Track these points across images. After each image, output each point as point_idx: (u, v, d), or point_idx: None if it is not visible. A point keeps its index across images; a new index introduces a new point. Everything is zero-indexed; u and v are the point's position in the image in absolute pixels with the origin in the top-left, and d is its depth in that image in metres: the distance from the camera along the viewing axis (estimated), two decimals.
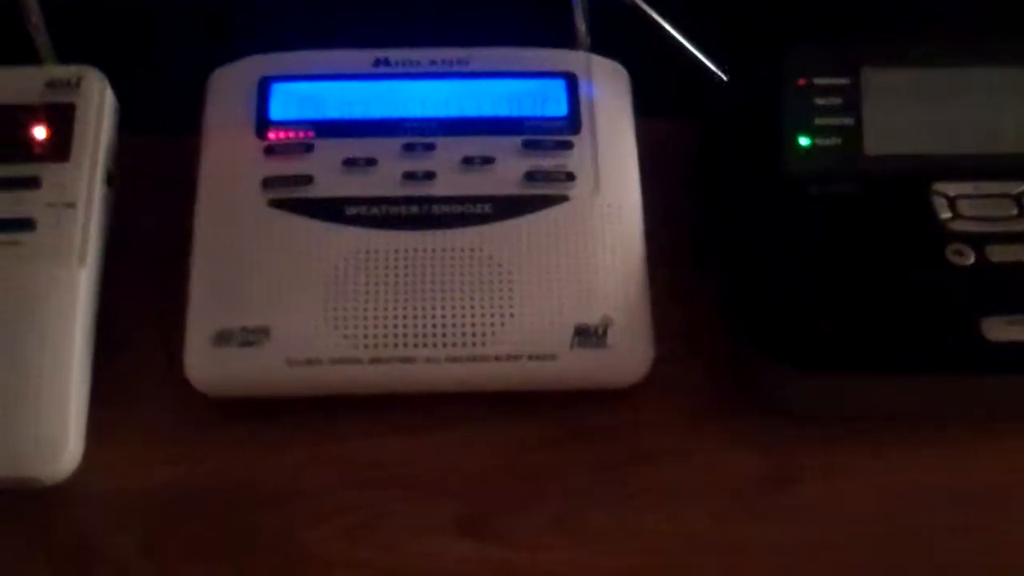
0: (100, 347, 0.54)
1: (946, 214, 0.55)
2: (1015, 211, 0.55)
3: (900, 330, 0.52)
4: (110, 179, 0.56)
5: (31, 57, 0.59)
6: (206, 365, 0.52)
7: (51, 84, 0.57)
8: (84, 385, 0.52)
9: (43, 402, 0.50)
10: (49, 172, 0.54)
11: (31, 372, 0.51)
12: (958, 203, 0.55)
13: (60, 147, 0.55)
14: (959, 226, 0.55)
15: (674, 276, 0.57)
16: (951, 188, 0.56)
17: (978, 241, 0.54)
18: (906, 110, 0.58)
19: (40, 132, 0.55)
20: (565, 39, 0.61)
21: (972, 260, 0.53)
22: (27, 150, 0.55)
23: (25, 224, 0.53)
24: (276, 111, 0.57)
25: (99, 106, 0.57)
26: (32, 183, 0.54)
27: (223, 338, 0.52)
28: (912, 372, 0.52)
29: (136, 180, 0.58)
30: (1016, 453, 0.53)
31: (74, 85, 0.57)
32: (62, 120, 0.56)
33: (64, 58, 0.59)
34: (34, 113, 0.56)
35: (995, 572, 0.51)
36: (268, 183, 0.55)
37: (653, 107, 0.60)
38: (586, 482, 0.53)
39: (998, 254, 0.54)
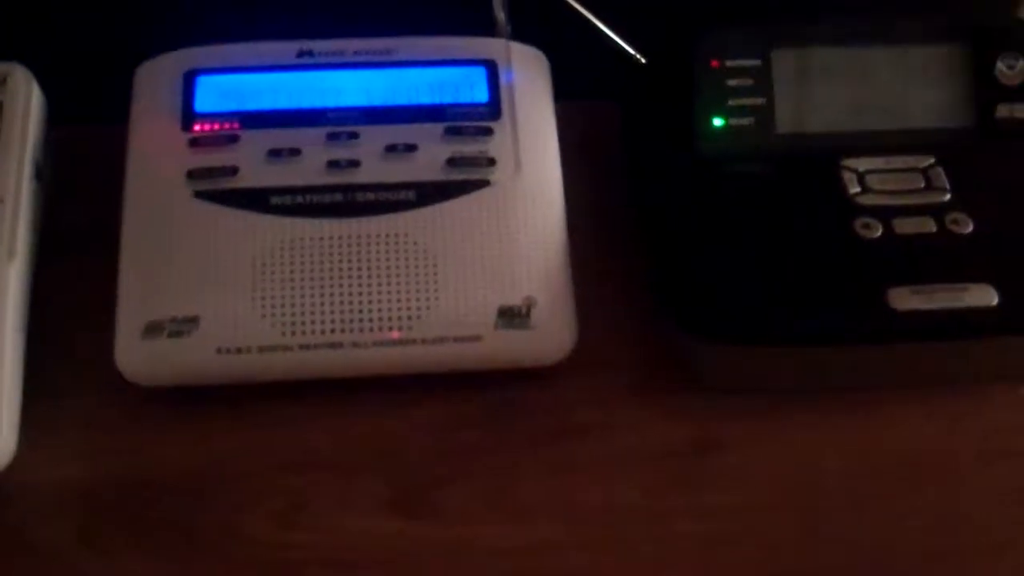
0: (31, 340, 0.54)
1: (855, 188, 0.57)
2: (922, 184, 0.57)
3: (810, 302, 0.53)
4: (39, 174, 0.57)
5: None
6: (137, 356, 0.53)
7: None
8: (16, 379, 0.53)
9: None
10: None
11: None
12: (867, 178, 0.57)
13: None
14: (867, 200, 0.56)
15: (597, 256, 0.58)
16: (860, 163, 0.58)
17: (886, 214, 0.56)
18: (815, 89, 0.59)
19: None
20: (485, 27, 0.62)
21: (880, 233, 0.55)
22: None
23: None
24: (201, 103, 0.58)
25: (25, 102, 0.57)
26: None
27: (153, 329, 0.53)
28: (823, 343, 0.53)
29: (65, 173, 0.59)
30: (922, 420, 0.55)
31: (1, 82, 0.57)
32: None
33: None
34: None
35: (905, 533, 0.53)
36: (193, 174, 0.56)
37: (574, 91, 0.62)
38: (514, 458, 0.54)
39: (905, 226, 0.55)
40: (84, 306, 0.56)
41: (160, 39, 0.61)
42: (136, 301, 0.54)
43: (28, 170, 0.56)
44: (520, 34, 0.62)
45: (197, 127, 0.57)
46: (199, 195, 0.56)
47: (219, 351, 0.53)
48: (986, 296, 0.53)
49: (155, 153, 0.57)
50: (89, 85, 0.61)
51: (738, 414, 0.55)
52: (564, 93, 0.62)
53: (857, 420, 0.55)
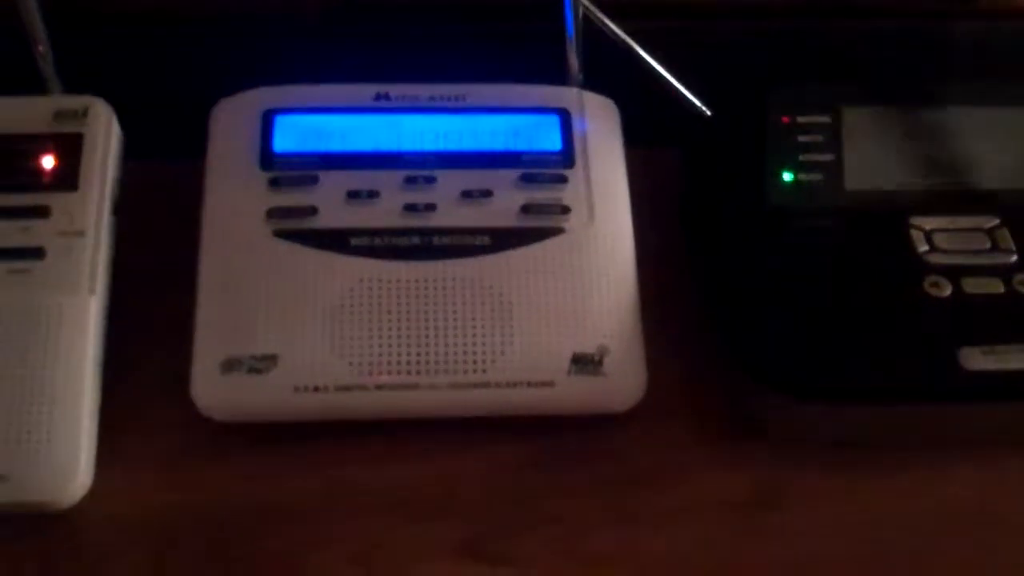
0: (108, 373, 0.55)
1: (923, 247, 0.57)
2: (988, 245, 0.58)
3: (882, 360, 0.54)
4: (116, 208, 0.58)
5: (37, 87, 0.60)
6: (214, 391, 0.54)
7: (59, 114, 0.58)
8: (94, 411, 0.53)
9: (55, 428, 0.52)
10: (58, 201, 0.56)
11: (44, 398, 0.52)
12: (934, 236, 0.58)
13: (68, 177, 0.56)
14: (936, 259, 0.57)
15: (664, 304, 0.59)
16: (927, 222, 0.58)
17: (954, 273, 0.56)
18: (883, 147, 0.60)
19: (49, 162, 0.57)
20: (559, 75, 0.63)
21: (949, 292, 0.56)
22: (36, 179, 0.56)
23: (35, 252, 0.54)
24: (280, 143, 0.59)
25: (106, 136, 0.58)
26: (42, 212, 0.55)
27: (230, 365, 0.54)
28: (894, 401, 0.54)
29: (141, 207, 0.59)
30: (987, 479, 0.56)
31: (81, 115, 0.58)
32: (70, 150, 0.57)
33: (69, 87, 0.60)
34: (43, 143, 0.57)
35: None
36: (273, 214, 0.57)
37: (641, 139, 0.62)
38: (583, 505, 0.54)
39: (973, 286, 0.56)
40: (159, 341, 0.57)
41: (235, 78, 0.62)
42: (214, 337, 0.54)
43: (108, 204, 0.57)
44: (590, 83, 0.63)
45: (276, 167, 0.58)
46: (278, 234, 0.56)
47: (296, 389, 0.53)
48: None
49: (234, 191, 0.58)
50: (164, 121, 0.61)
51: (801, 466, 0.56)
52: (629, 140, 0.62)
53: (921, 476, 0.56)
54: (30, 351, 0.53)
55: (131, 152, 0.60)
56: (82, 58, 0.61)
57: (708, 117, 0.64)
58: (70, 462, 0.52)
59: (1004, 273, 0.57)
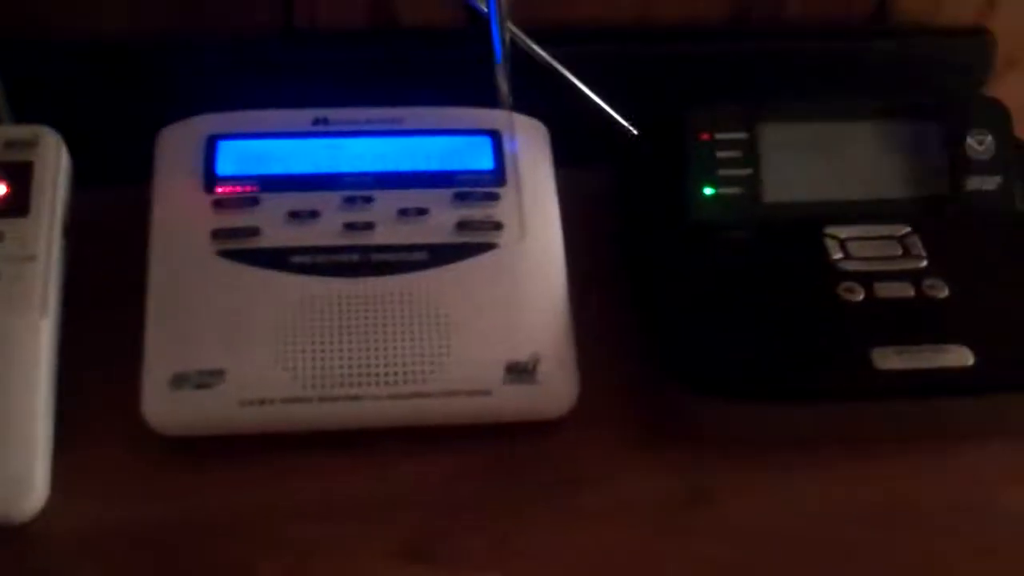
0: (60, 391, 0.57)
1: (837, 255, 0.61)
2: (900, 251, 0.61)
3: (799, 361, 0.57)
4: (67, 232, 0.59)
5: None
6: (163, 406, 0.56)
7: (9, 144, 0.60)
8: (48, 428, 0.55)
9: (10, 446, 0.53)
10: (10, 227, 0.57)
11: None
12: (848, 245, 0.61)
13: (19, 203, 0.58)
14: (849, 266, 0.60)
15: (598, 316, 0.62)
16: (842, 231, 0.61)
17: (867, 279, 0.59)
18: (798, 161, 0.63)
19: (0, 189, 0.58)
20: (489, 99, 0.66)
21: (862, 296, 0.59)
22: None
23: None
24: (223, 167, 0.61)
25: (55, 164, 0.60)
26: None
27: (179, 381, 0.56)
28: (812, 399, 0.57)
29: (91, 231, 0.61)
30: (903, 472, 0.59)
31: (31, 144, 0.60)
32: (21, 177, 0.59)
33: (17, 114, 0.62)
34: None
35: None
36: (217, 234, 0.59)
37: (570, 159, 0.65)
38: (519, 507, 0.57)
39: (885, 291, 0.59)
40: (109, 359, 0.58)
41: (174, 106, 0.64)
42: (163, 354, 0.56)
43: (58, 229, 0.59)
44: (521, 104, 0.66)
45: (219, 189, 0.60)
46: (222, 254, 0.58)
47: (243, 403, 0.56)
48: (962, 357, 0.56)
49: (179, 213, 0.60)
50: (112, 148, 0.63)
51: (728, 466, 0.58)
52: (558, 161, 0.65)
53: (842, 472, 0.59)
54: None
55: (81, 178, 0.62)
56: (30, 86, 0.63)
57: (634, 137, 0.67)
58: (25, 479, 0.53)
59: (914, 278, 0.60)
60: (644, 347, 0.61)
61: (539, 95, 0.66)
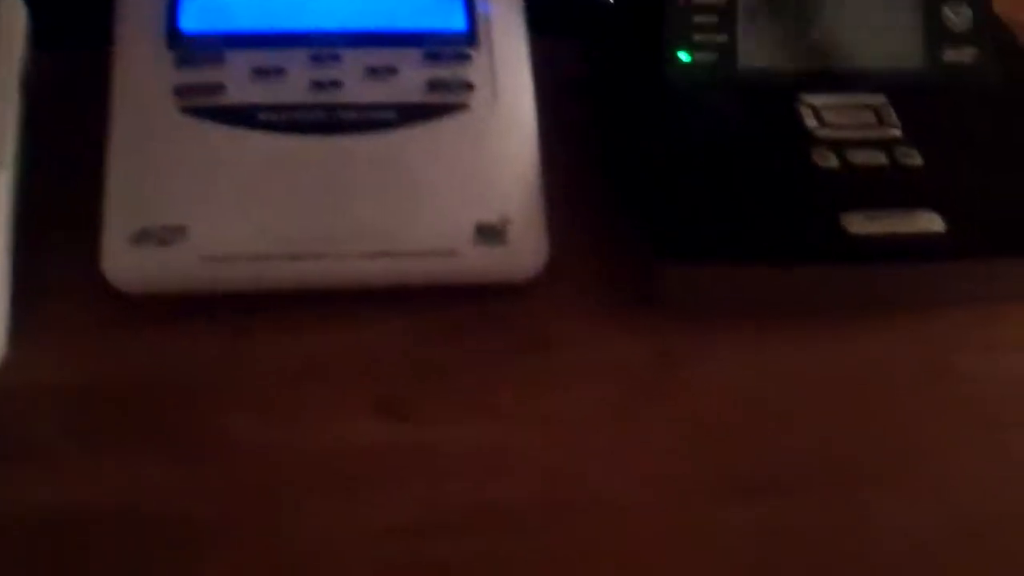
0: (21, 249, 0.56)
1: (812, 122, 0.60)
2: (875, 120, 0.60)
3: (770, 225, 0.56)
4: (24, 86, 0.58)
5: None
6: (123, 263, 0.55)
7: None
8: (5, 286, 0.54)
9: None
10: None
11: None
12: (823, 113, 0.60)
13: None
14: (824, 133, 0.60)
15: (569, 182, 0.61)
16: (817, 99, 0.61)
17: (841, 146, 0.59)
18: (776, 29, 0.62)
19: None
20: None
21: (834, 163, 0.58)
22: None
23: None
24: (186, 22, 0.60)
25: (10, 17, 0.58)
26: None
27: (140, 237, 0.55)
28: (781, 264, 0.56)
29: (51, 95, 0.60)
30: (871, 338, 0.58)
31: None
32: None
33: None
34: None
35: (852, 446, 0.56)
36: (180, 91, 0.57)
37: (545, 29, 0.64)
38: (487, 368, 0.56)
39: (859, 157, 0.59)
40: (70, 216, 0.57)
41: None
42: (124, 210, 0.55)
43: (15, 83, 0.57)
44: None
45: (183, 45, 0.59)
46: (186, 111, 0.57)
47: (205, 259, 0.55)
48: (933, 223, 0.56)
49: (141, 70, 0.58)
50: (73, 10, 0.61)
51: (700, 330, 0.58)
52: (533, 29, 0.64)
53: (807, 337, 0.58)
54: None
55: (41, 42, 0.60)
56: None
57: (610, 5, 0.66)
58: None
59: (887, 146, 0.59)
60: (615, 211, 0.61)
61: None
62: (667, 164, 0.59)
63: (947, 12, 0.63)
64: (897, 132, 0.60)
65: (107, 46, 0.60)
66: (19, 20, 0.59)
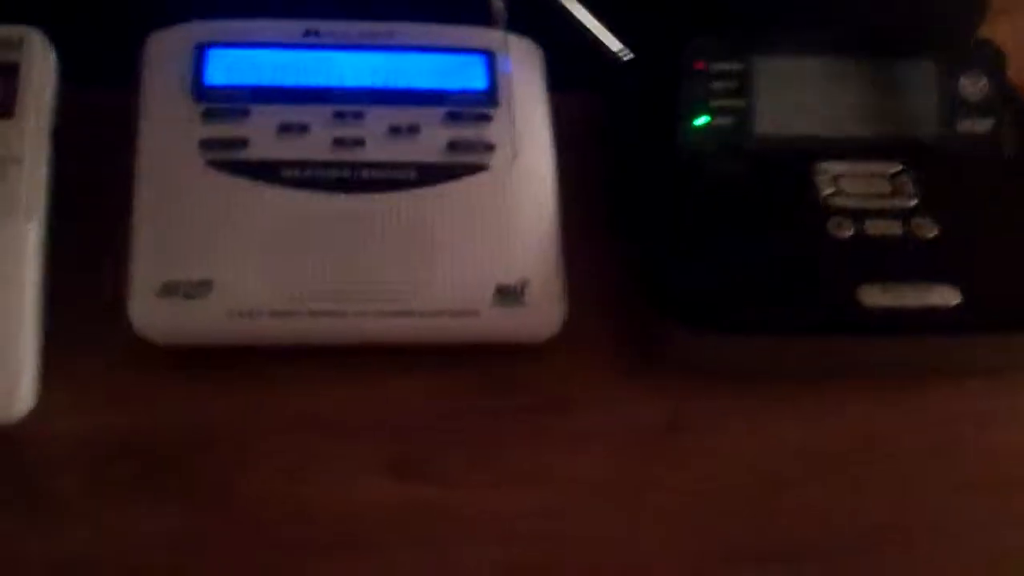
0: (49, 295, 0.56)
1: (828, 190, 0.61)
2: (890, 189, 0.61)
3: (786, 295, 0.57)
4: (53, 134, 0.58)
5: None
6: (151, 314, 0.55)
7: None
8: (35, 332, 0.55)
9: None
10: None
11: None
12: (839, 181, 0.61)
13: (4, 105, 0.57)
14: (840, 201, 0.60)
15: (584, 240, 0.61)
16: (833, 167, 0.61)
17: (857, 215, 0.60)
18: (793, 95, 0.63)
19: None
20: (484, 16, 0.65)
21: (850, 233, 0.59)
22: None
23: None
24: (212, 76, 0.60)
25: (42, 65, 0.59)
26: None
27: (168, 290, 0.55)
28: (796, 334, 0.57)
29: (76, 132, 0.60)
30: (884, 409, 0.59)
31: (17, 45, 0.59)
32: (6, 79, 0.58)
33: (3, 16, 0.61)
34: None
35: (858, 511, 0.57)
36: (205, 145, 0.58)
37: (564, 83, 0.65)
38: (502, 428, 0.57)
39: (874, 228, 0.59)
40: (97, 264, 0.58)
41: (161, 10, 0.63)
42: (151, 262, 0.56)
43: (45, 131, 0.58)
44: (515, 24, 0.65)
45: (208, 99, 0.60)
46: (212, 164, 0.58)
47: (231, 314, 0.55)
48: (948, 296, 0.57)
49: (167, 122, 0.59)
50: (99, 50, 0.62)
51: (712, 395, 0.59)
52: (551, 83, 0.65)
53: (820, 406, 0.59)
54: None
55: (67, 79, 0.61)
56: None
57: (628, 62, 0.67)
58: (13, 382, 0.53)
59: (903, 216, 0.60)
60: (631, 274, 0.61)
61: (533, 14, 0.65)
62: (681, 229, 0.59)
63: (963, 82, 0.64)
64: (913, 202, 0.61)
65: (131, 84, 0.60)
66: (49, 70, 0.59)
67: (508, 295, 0.57)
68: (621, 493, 0.56)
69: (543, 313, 0.58)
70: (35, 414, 0.54)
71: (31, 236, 0.55)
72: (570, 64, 0.65)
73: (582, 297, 0.59)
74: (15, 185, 0.56)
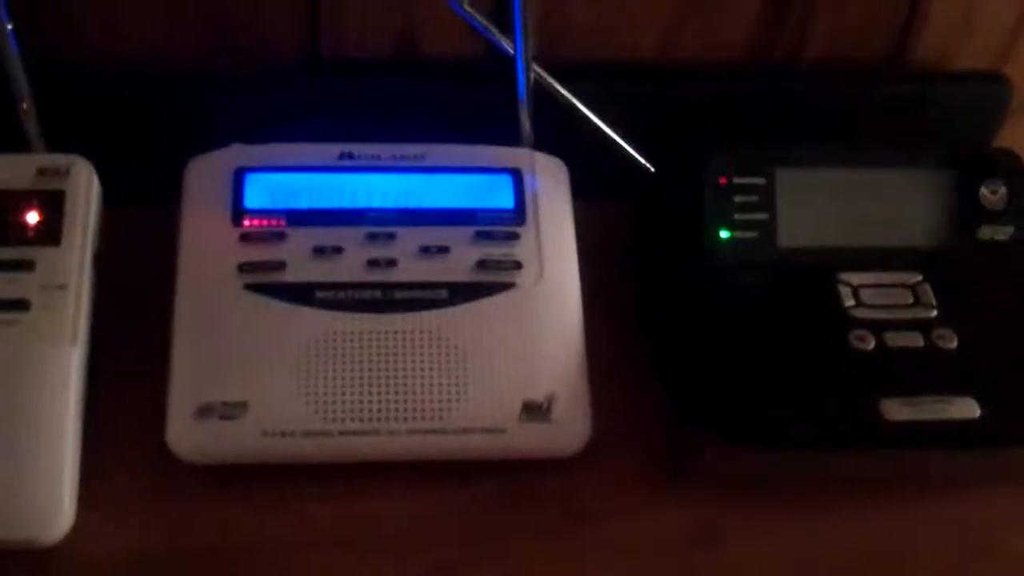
0: (87, 416, 0.58)
1: (850, 302, 0.62)
2: (911, 300, 0.62)
3: (809, 409, 0.58)
4: (97, 260, 0.61)
5: (18, 142, 0.63)
6: (188, 436, 0.57)
7: (42, 171, 0.61)
8: (76, 453, 0.57)
9: (40, 470, 0.55)
10: (42, 255, 0.59)
11: (30, 443, 0.55)
12: (861, 292, 0.62)
13: (51, 232, 0.59)
14: (861, 313, 0.61)
15: (611, 352, 0.63)
16: (855, 278, 0.63)
17: (878, 328, 0.61)
18: (814, 207, 0.64)
19: (33, 217, 0.60)
20: (511, 133, 0.67)
21: (872, 345, 0.60)
22: (21, 234, 0.59)
23: (20, 304, 0.57)
24: (251, 200, 0.63)
25: (87, 193, 0.61)
26: (26, 266, 0.58)
27: (204, 411, 0.57)
28: (819, 448, 0.58)
29: (117, 252, 0.62)
30: (910, 521, 0.60)
31: (63, 173, 0.61)
32: (53, 206, 0.60)
33: (47, 135, 0.64)
34: (27, 199, 0.60)
35: None
36: (244, 268, 0.60)
37: (588, 193, 0.66)
38: (531, 542, 0.58)
39: (895, 340, 0.60)
40: (136, 383, 0.60)
41: (200, 134, 0.65)
42: (188, 385, 0.58)
43: (89, 258, 0.60)
44: (541, 140, 0.67)
45: (247, 222, 0.62)
46: (249, 287, 0.60)
47: (265, 434, 0.57)
48: (970, 409, 0.58)
49: (207, 246, 0.61)
50: (139, 171, 0.64)
51: (735, 507, 0.60)
52: (577, 194, 0.66)
53: (847, 518, 0.60)
54: (16, 398, 0.56)
55: (108, 199, 0.63)
56: (60, 108, 0.64)
57: (651, 174, 0.69)
58: (54, 502, 0.55)
59: (924, 327, 0.61)
60: (656, 386, 0.62)
61: (557, 129, 0.67)
62: (706, 343, 0.61)
63: (983, 191, 0.65)
64: (933, 312, 0.62)
65: (170, 205, 0.63)
66: (94, 197, 0.61)
67: (535, 411, 0.59)
68: None
69: (570, 428, 0.59)
70: (74, 534, 0.55)
71: (74, 360, 0.57)
72: (594, 177, 0.66)
73: (608, 407, 0.61)
74: (61, 311, 0.58)
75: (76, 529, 0.56)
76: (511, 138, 0.67)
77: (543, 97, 0.68)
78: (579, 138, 0.68)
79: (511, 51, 0.65)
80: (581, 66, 0.70)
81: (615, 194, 0.69)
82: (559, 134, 0.67)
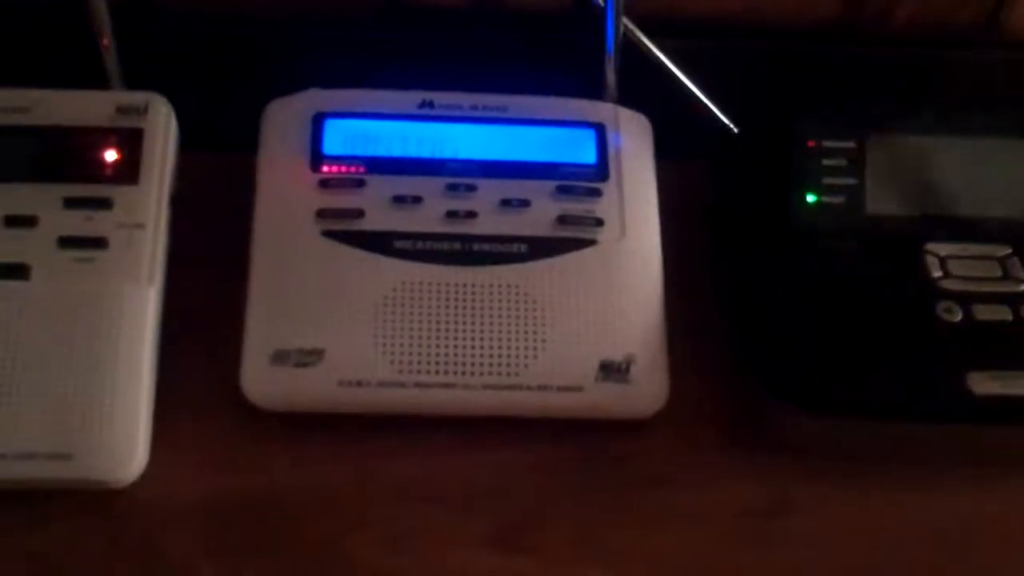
0: (163, 359, 0.58)
1: (937, 272, 0.60)
2: (1000, 273, 0.61)
3: (894, 380, 0.57)
4: (173, 200, 0.60)
5: (99, 80, 0.63)
6: (262, 382, 0.57)
7: (121, 109, 0.60)
8: (150, 396, 0.56)
9: (115, 412, 0.55)
10: (120, 194, 0.58)
11: (104, 383, 0.55)
12: (948, 263, 0.61)
13: (130, 170, 0.59)
14: (949, 284, 0.60)
15: (688, 314, 0.62)
16: (942, 248, 0.61)
17: (965, 299, 0.59)
18: (904, 174, 0.63)
19: (111, 155, 0.59)
20: (593, 86, 0.66)
21: (960, 317, 0.59)
22: (99, 171, 0.59)
23: (99, 243, 0.57)
24: (330, 146, 0.62)
25: (165, 132, 0.61)
26: (104, 204, 0.58)
27: (280, 357, 0.57)
28: (903, 419, 0.57)
29: (195, 197, 0.62)
30: (990, 496, 0.59)
31: (142, 111, 0.61)
32: (131, 144, 0.60)
33: (128, 78, 0.63)
34: (105, 136, 0.60)
35: None
36: (322, 214, 0.60)
37: (671, 151, 0.65)
38: (604, 504, 0.57)
39: (983, 313, 0.59)
40: (211, 328, 0.59)
41: (286, 77, 0.64)
42: (264, 330, 0.57)
43: (166, 198, 0.60)
44: (624, 96, 0.66)
45: (326, 168, 0.61)
46: (327, 234, 0.59)
47: (341, 383, 0.57)
48: None
49: (285, 191, 0.61)
50: (219, 116, 0.63)
51: (812, 478, 0.59)
52: (660, 152, 0.65)
53: (926, 493, 0.59)
54: (93, 337, 0.56)
55: (186, 143, 0.63)
56: (141, 51, 0.63)
57: (736, 135, 0.67)
58: (128, 444, 0.55)
59: (1013, 301, 0.59)
60: (736, 351, 0.61)
61: (640, 84, 0.66)
62: (789, 309, 0.59)
63: None
64: (1022, 287, 0.60)
65: (248, 150, 0.62)
66: (172, 136, 0.61)
67: (613, 371, 0.58)
68: (720, 573, 0.56)
69: (648, 390, 0.58)
70: (148, 476, 0.55)
71: (151, 299, 0.57)
72: (677, 134, 0.65)
73: (686, 372, 0.60)
74: (139, 251, 0.58)
75: (149, 471, 0.56)
76: (591, 91, 0.66)
77: (627, 50, 0.66)
78: (663, 94, 0.67)
79: (601, 2, 0.64)
80: (667, 21, 0.69)
81: (698, 153, 0.68)
82: (643, 89, 0.66)
